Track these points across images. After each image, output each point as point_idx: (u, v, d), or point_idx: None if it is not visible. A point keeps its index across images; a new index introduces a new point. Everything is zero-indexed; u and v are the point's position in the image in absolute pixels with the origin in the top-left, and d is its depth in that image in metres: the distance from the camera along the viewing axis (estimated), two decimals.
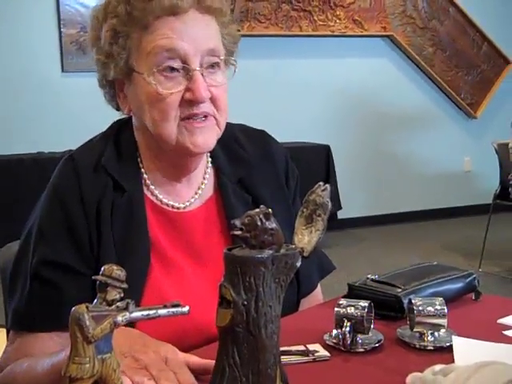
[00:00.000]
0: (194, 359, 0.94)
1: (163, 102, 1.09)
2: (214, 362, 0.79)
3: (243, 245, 0.79)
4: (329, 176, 5.09)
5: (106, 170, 1.15)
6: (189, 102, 1.10)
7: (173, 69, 1.10)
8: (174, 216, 1.19)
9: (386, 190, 6.10)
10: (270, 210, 0.78)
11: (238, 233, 0.78)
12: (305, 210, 0.84)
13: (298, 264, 0.80)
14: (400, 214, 6.07)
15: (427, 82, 6.23)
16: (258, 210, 0.78)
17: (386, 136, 6.11)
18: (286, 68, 5.63)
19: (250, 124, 1.35)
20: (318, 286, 1.35)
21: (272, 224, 0.78)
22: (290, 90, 5.63)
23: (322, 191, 0.83)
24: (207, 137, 1.13)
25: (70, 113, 5.03)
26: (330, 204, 0.82)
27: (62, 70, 5.09)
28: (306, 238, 0.82)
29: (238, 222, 0.78)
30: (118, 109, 1.22)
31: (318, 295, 1.35)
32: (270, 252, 0.77)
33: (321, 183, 0.84)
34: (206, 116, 1.12)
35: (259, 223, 0.77)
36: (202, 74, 1.10)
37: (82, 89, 5.05)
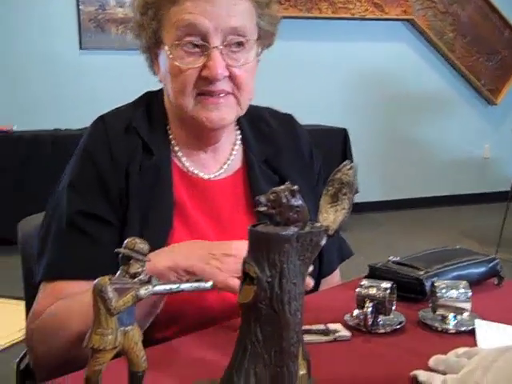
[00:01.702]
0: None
1: (181, 75, 1.11)
2: None
3: (268, 221, 0.78)
4: (345, 159, 5.03)
5: (136, 132, 1.17)
6: (205, 79, 1.11)
7: (193, 44, 1.10)
8: (200, 183, 1.21)
9: (404, 174, 6.06)
10: (296, 186, 0.77)
11: (263, 209, 0.76)
12: (330, 188, 0.83)
13: (323, 242, 0.79)
14: (417, 199, 6.04)
15: (447, 67, 6.16)
16: (283, 186, 0.77)
17: (404, 121, 6.06)
18: (305, 50, 5.58)
19: (266, 106, 1.37)
20: (337, 269, 1.36)
21: (298, 201, 0.77)
22: (308, 72, 5.59)
23: (348, 170, 0.82)
24: (223, 113, 1.14)
25: (88, 90, 5.03)
26: (356, 183, 0.81)
27: (80, 48, 5.09)
28: (331, 216, 0.81)
29: (263, 199, 0.77)
30: (154, 74, 1.23)
31: (336, 278, 1.36)
32: (295, 229, 0.76)
33: (347, 161, 0.82)
34: (223, 94, 1.13)
35: (285, 200, 0.76)
36: (222, 53, 1.10)
37: (99, 66, 5.06)
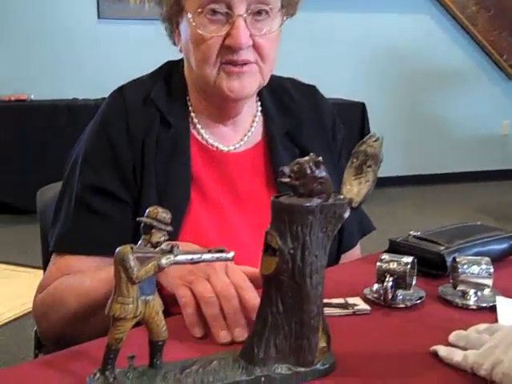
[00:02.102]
0: (248, 270, 0.93)
1: (204, 44, 1.09)
2: None
3: (291, 193, 0.77)
4: (363, 134, 5.03)
5: (154, 104, 1.16)
6: (228, 48, 1.09)
7: (217, 12, 1.08)
8: (219, 156, 1.20)
9: (421, 150, 6.01)
10: (320, 157, 0.76)
11: (287, 180, 0.76)
12: (354, 160, 0.82)
13: (347, 215, 0.78)
14: (435, 175, 6.00)
15: (469, 42, 6.06)
16: (307, 157, 0.76)
17: (423, 95, 6.00)
18: (323, 22, 5.51)
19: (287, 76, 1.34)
20: (358, 244, 1.35)
21: (322, 172, 0.76)
22: (327, 44, 5.53)
23: (373, 141, 0.81)
24: (245, 83, 1.12)
25: (106, 60, 5.02)
26: (382, 155, 0.79)
27: (98, 17, 5.06)
28: (354, 188, 0.80)
29: (286, 170, 0.76)
30: (174, 43, 1.21)
31: (356, 253, 1.35)
32: (319, 201, 0.75)
33: (373, 133, 0.81)
34: (246, 63, 1.11)
35: (308, 171, 0.75)
36: (245, 21, 1.08)
37: (117, 36, 5.03)
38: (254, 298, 0.87)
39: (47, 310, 1.09)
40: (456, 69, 6.03)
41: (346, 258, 1.29)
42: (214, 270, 0.89)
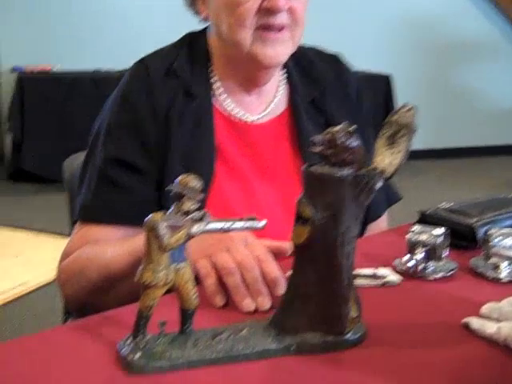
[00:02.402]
0: (267, 242, 0.93)
1: (241, 7, 1.08)
2: (287, 243, 0.83)
3: (322, 162, 0.76)
4: (388, 106, 4.98)
5: (177, 76, 1.15)
6: (266, 11, 1.08)
7: None
8: (243, 127, 1.19)
9: (447, 123, 5.94)
10: (353, 126, 0.75)
11: (318, 150, 0.75)
12: (387, 130, 0.80)
13: (379, 186, 0.77)
14: (461, 148, 5.92)
15: (495, 12, 5.93)
16: (339, 126, 0.75)
17: (449, 67, 5.90)
18: None
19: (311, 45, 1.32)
20: (385, 215, 1.34)
21: (354, 142, 0.75)
22: (351, 13, 5.45)
23: (407, 111, 0.79)
24: (279, 50, 1.11)
25: (129, 31, 5.00)
26: (415, 125, 0.78)
27: None
28: (386, 159, 0.79)
29: (318, 139, 0.75)
30: (196, 13, 1.20)
31: (383, 223, 1.34)
32: (351, 171, 0.74)
33: (406, 103, 0.79)
34: (281, 29, 1.10)
35: (341, 141, 0.74)
36: None
37: (141, 6, 5.00)
38: (275, 270, 0.87)
39: (70, 278, 1.09)
40: (483, 40, 5.92)
41: (373, 228, 1.28)
42: (234, 242, 0.89)
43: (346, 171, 0.74)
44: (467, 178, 5.20)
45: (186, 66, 1.17)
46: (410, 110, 0.79)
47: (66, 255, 1.12)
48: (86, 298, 1.07)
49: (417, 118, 0.78)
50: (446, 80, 5.91)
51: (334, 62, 1.31)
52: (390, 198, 1.33)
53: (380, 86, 5.07)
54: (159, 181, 1.11)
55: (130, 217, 1.07)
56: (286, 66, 1.24)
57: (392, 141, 0.80)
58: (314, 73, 1.26)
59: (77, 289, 1.08)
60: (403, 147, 0.79)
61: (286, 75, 1.24)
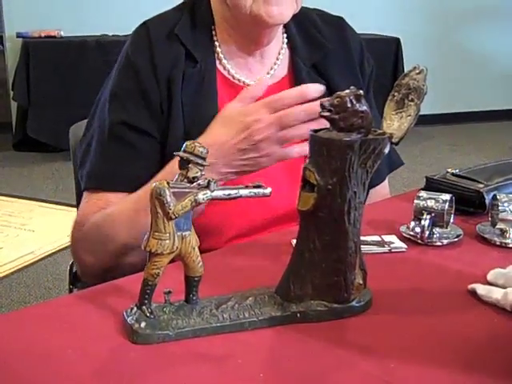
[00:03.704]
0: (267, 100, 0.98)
1: None
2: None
3: (330, 127, 0.75)
4: (397, 70, 4.92)
5: (179, 39, 1.14)
6: None
7: None
8: None
9: (457, 87, 5.85)
10: (361, 91, 0.73)
11: (326, 114, 0.74)
12: (396, 94, 0.79)
13: (387, 150, 0.76)
14: (470, 113, 5.86)
15: None
16: (348, 90, 0.74)
17: (460, 30, 5.80)
18: None
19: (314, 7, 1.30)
20: (386, 179, 1.33)
21: (362, 106, 0.73)
22: None
23: (417, 74, 0.78)
24: (283, 8, 1.09)
25: None
26: (425, 88, 0.76)
27: None
28: (395, 123, 0.78)
29: (326, 103, 0.74)
30: None
31: (385, 189, 1.33)
32: (359, 136, 0.73)
33: (417, 65, 0.78)
34: None
35: (349, 105, 0.73)
36: None
37: None
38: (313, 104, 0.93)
39: (92, 247, 1.09)
40: (494, 2, 5.81)
41: (376, 193, 1.26)
42: (256, 112, 0.97)
43: (354, 136, 0.73)
44: (474, 143, 5.15)
45: (187, 29, 1.16)
46: (420, 72, 0.78)
47: (79, 224, 1.12)
48: (112, 261, 1.06)
49: (427, 80, 0.77)
50: (457, 42, 5.81)
51: (337, 25, 1.28)
52: (391, 162, 1.31)
53: (389, 49, 5.00)
54: (163, 144, 1.11)
55: (141, 180, 1.07)
56: (287, 28, 1.21)
57: (401, 104, 0.79)
58: (316, 36, 1.23)
59: (99, 257, 1.08)
60: (412, 111, 0.78)
61: (287, 39, 1.22)
